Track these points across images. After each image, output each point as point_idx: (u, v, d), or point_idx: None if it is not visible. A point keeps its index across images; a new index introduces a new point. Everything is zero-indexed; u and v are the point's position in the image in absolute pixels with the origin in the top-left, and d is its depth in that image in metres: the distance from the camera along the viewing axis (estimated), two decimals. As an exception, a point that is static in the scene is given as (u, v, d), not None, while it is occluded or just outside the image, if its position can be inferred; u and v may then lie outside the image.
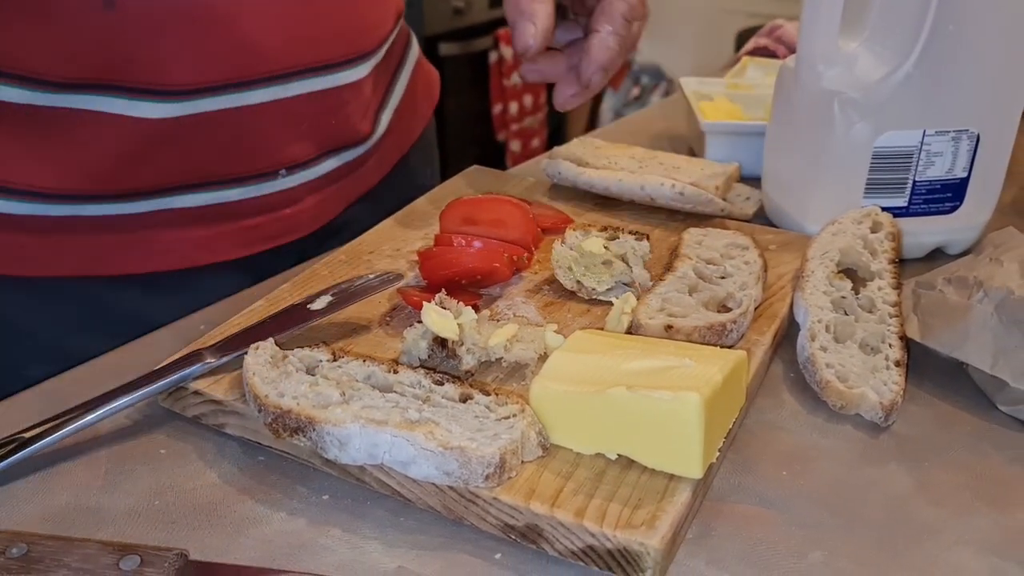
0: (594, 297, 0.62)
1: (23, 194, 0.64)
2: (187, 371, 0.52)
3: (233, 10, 0.64)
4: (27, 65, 0.61)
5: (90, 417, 0.49)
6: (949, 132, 0.68)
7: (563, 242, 0.63)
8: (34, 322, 0.69)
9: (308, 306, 0.57)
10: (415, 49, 0.90)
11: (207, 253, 0.72)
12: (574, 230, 0.65)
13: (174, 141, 0.66)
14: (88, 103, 0.63)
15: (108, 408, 0.50)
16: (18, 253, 0.67)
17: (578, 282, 0.62)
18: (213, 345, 0.54)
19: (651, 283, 0.61)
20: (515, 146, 3.06)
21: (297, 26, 0.68)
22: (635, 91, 3.53)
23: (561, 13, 0.69)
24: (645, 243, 0.63)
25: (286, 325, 0.56)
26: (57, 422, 0.49)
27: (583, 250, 0.62)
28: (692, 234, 0.68)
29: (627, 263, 0.62)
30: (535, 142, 3.16)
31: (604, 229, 0.65)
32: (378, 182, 0.84)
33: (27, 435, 0.49)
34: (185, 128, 0.66)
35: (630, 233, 0.64)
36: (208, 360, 0.52)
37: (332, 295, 0.58)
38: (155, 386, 0.51)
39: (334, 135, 0.76)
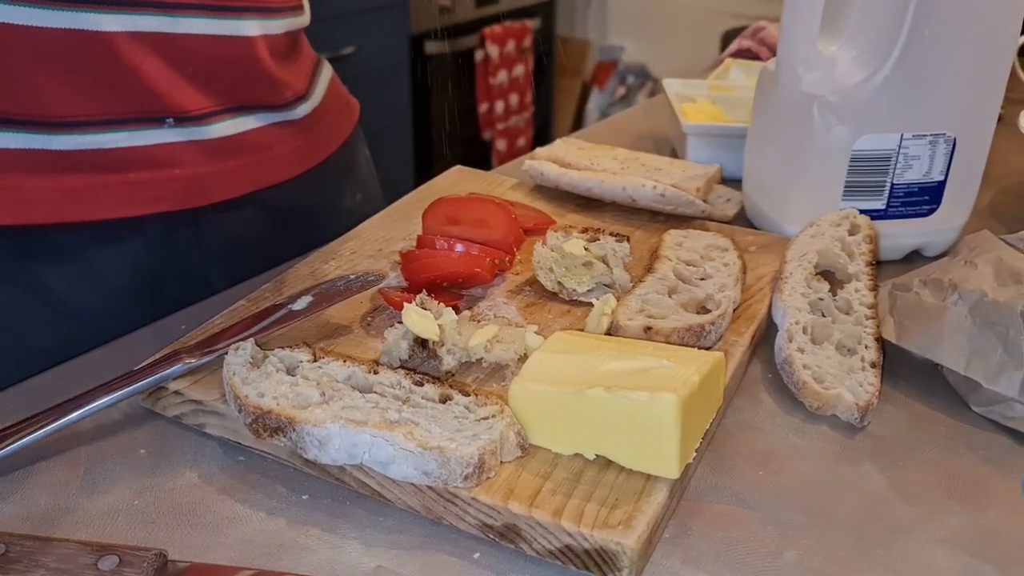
0: (575, 298, 0.62)
1: None
2: (167, 371, 0.52)
3: None
4: None
5: (70, 416, 0.49)
6: (926, 136, 0.68)
7: (544, 243, 0.63)
8: None
9: (289, 306, 0.58)
10: (328, 71, 0.88)
11: (84, 208, 0.66)
12: (555, 232, 0.65)
13: (35, 56, 0.61)
14: None
15: (88, 408, 0.50)
16: None
17: (559, 283, 0.62)
18: (193, 345, 0.54)
19: (631, 284, 0.62)
20: (501, 145, 3.07)
21: None
22: (621, 91, 3.54)
23: None
24: (625, 245, 0.64)
25: (267, 325, 0.56)
26: (36, 421, 0.49)
27: (564, 251, 0.62)
28: (673, 235, 0.68)
29: (607, 264, 0.63)
30: (521, 141, 3.17)
31: (585, 231, 0.66)
32: (291, 187, 0.79)
33: (5, 434, 0.48)
34: (45, 40, 0.61)
35: (610, 235, 0.65)
36: (188, 360, 0.52)
37: (313, 295, 0.58)
38: (135, 386, 0.51)
39: (226, 91, 0.72)
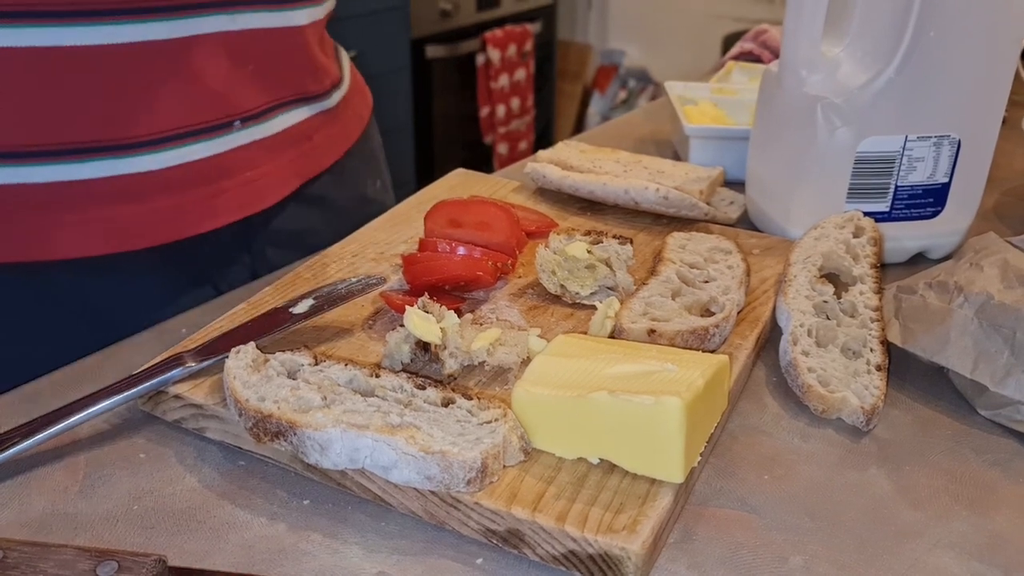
0: (578, 301, 0.62)
1: None
2: (167, 375, 0.51)
3: None
4: None
5: (69, 421, 0.49)
6: (931, 137, 0.68)
7: (547, 246, 0.63)
8: None
9: (290, 310, 0.57)
10: (347, 55, 0.89)
11: (162, 229, 0.65)
12: (558, 234, 0.65)
13: (114, 76, 0.59)
14: (9, 39, 0.55)
15: (87, 412, 0.49)
16: None
17: (562, 286, 0.62)
18: (194, 349, 0.54)
19: (634, 287, 0.62)
20: (502, 149, 3.07)
21: None
22: (622, 94, 3.55)
23: None
24: (628, 247, 0.63)
25: (268, 329, 0.56)
26: (35, 426, 0.48)
27: (567, 254, 0.62)
28: (676, 238, 0.68)
29: (610, 267, 0.62)
30: (522, 145, 3.17)
31: (588, 233, 0.65)
32: (326, 173, 0.79)
33: (4, 438, 0.48)
34: (122, 58, 0.59)
35: (613, 237, 0.64)
36: (189, 364, 0.52)
37: (314, 299, 0.58)
38: (135, 390, 0.51)
39: (280, 82, 0.71)
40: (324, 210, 0.81)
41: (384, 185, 0.92)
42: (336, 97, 0.80)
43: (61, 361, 0.58)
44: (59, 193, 0.59)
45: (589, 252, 0.63)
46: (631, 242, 0.64)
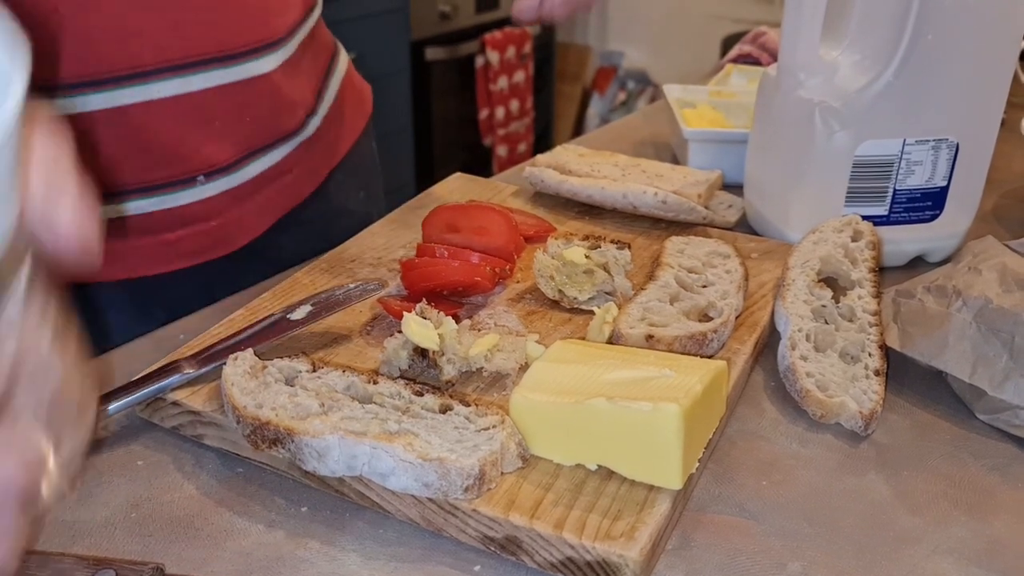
0: (576, 306, 0.62)
1: None
2: (165, 382, 0.51)
3: None
4: None
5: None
6: (929, 141, 0.68)
7: (545, 251, 0.63)
8: None
9: (288, 316, 0.57)
10: (343, 61, 0.86)
11: (120, 268, 0.67)
12: (556, 239, 0.65)
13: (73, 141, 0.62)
14: None
15: (85, 419, 0.49)
16: None
17: (560, 291, 0.62)
18: (192, 355, 0.54)
19: (632, 292, 0.62)
20: (502, 151, 3.07)
21: (184, 9, 0.63)
22: (621, 96, 3.54)
23: None
24: (627, 252, 0.63)
25: (266, 335, 0.56)
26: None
27: (565, 259, 0.62)
28: (674, 242, 0.68)
29: (608, 272, 0.62)
30: (522, 147, 3.17)
31: (586, 238, 0.65)
32: (305, 199, 0.79)
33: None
34: (81, 126, 0.61)
35: (612, 242, 0.64)
36: (187, 371, 0.52)
37: (312, 305, 0.58)
38: (133, 397, 0.51)
39: (252, 133, 0.71)
40: (295, 230, 0.78)
41: (369, 195, 0.90)
42: (313, 124, 0.77)
43: None
44: None
45: (587, 257, 0.63)
46: (629, 247, 0.64)
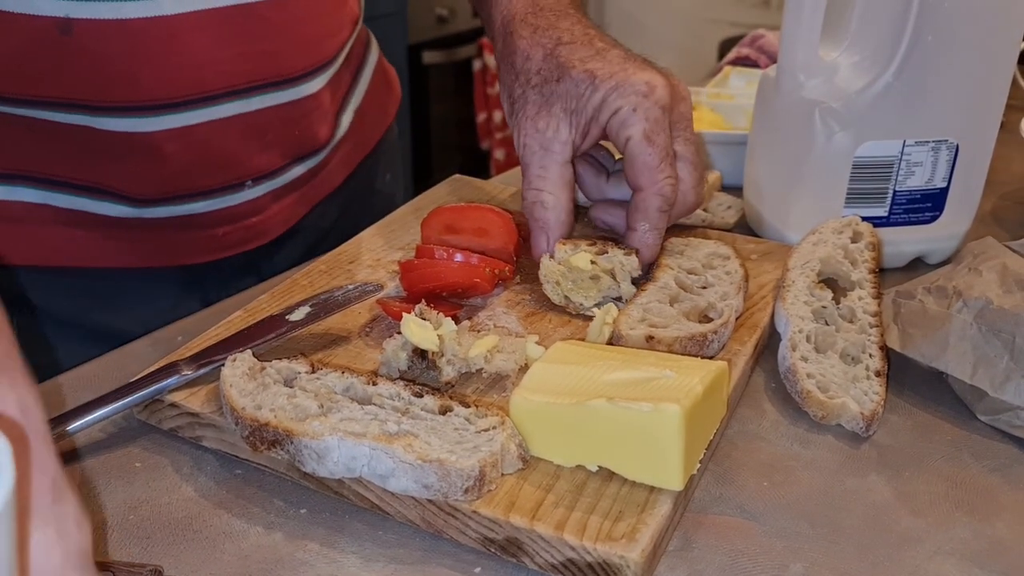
0: (582, 312, 0.61)
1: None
2: (163, 383, 0.51)
3: (187, 28, 0.64)
4: None
5: (64, 430, 0.48)
6: (929, 142, 0.68)
7: (551, 257, 0.62)
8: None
9: (286, 317, 0.57)
10: (375, 51, 0.90)
11: (173, 256, 0.74)
12: (563, 245, 0.64)
13: (144, 155, 0.67)
14: (57, 117, 0.65)
15: (82, 421, 0.49)
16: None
17: (566, 297, 0.61)
18: (190, 356, 0.54)
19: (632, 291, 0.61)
20: (499, 154, 3.06)
21: (251, 41, 0.68)
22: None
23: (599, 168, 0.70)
24: (634, 258, 0.62)
25: (264, 336, 0.55)
26: (30, 436, 0.48)
27: (571, 265, 0.62)
28: (673, 243, 0.68)
29: (615, 278, 0.62)
30: (519, 150, 3.16)
31: (593, 243, 0.64)
32: (339, 184, 0.84)
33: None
34: (154, 143, 0.67)
35: (618, 247, 0.63)
36: (185, 372, 0.52)
37: (311, 306, 0.58)
38: (131, 398, 0.50)
39: (298, 144, 0.76)
40: (327, 209, 0.83)
41: (395, 176, 0.94)
42: (345, 122, 0.82)
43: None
44: (90, 220, 0.70)
45: (593, 263, 0.62)
46: (637, 252, 0.63)
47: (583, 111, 0.62)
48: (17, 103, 0.64)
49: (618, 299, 0.62)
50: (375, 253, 0.70)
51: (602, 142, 0.67)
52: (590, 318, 0.59)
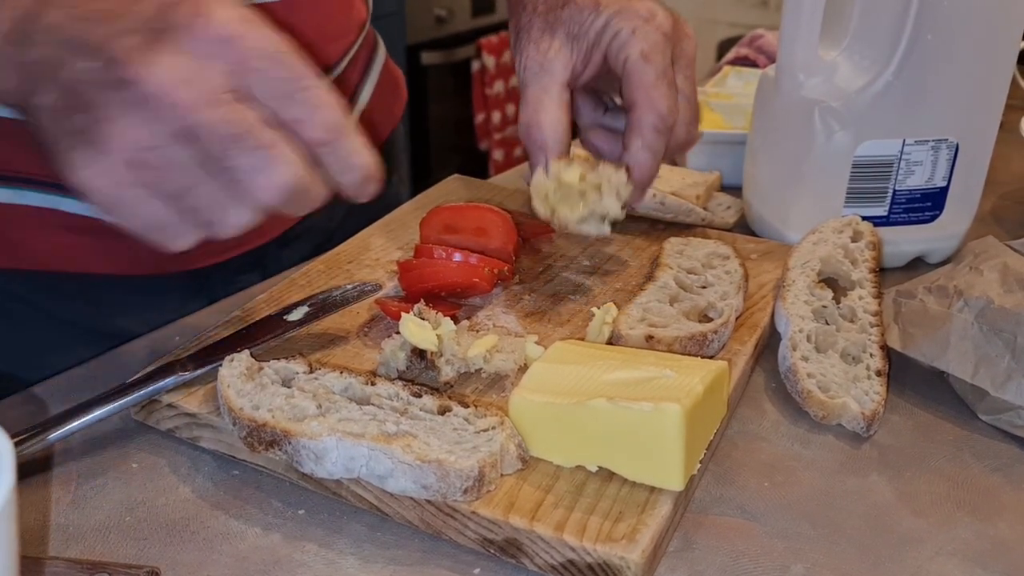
0: (567, 230, 0.61)
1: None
2: (161, 383, 0.51)
3: None
4: None
5: (60, 431, 0.48)
6: (929, 141, 0.68)
7: (546, 172, 0.61)
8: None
9: (284, 317, 0.57)
10: (381, 53, 0.90)
11: (174, 260, 0.70)
12: (559, 160, 0.62)
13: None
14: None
15: (80, 422, 0.48)
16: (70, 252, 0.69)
17: (552, 210, 0.60)
18: (187, 357, 0.53)
19: (623, 215, 0.60)
20: (498, 155, 3.06)
21: None
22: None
23: (598, 99, 0.69)
24: (623, 173, 0.61)
25: (262, 336, 0.55)
26: (26, 436, 0.48)
27: (562, 180, 0.60)
28: (673, 243, 0.67)
29: (601, 193, 0.61)
30: (518, 151, 3.16)
31: (588, 159, 0.63)
32: None
33: (-5, 450, 0.47)
34: None
35: (612, 164, 0.62)
36: (182, 372, 0.51)
37: (308, 306, 0.57)
38: (128, 399, 0.50)
39: None
40: (334, 209, 0.82)
41: (400, 177, 0.94)
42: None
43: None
44: (98, 227, 0.67)
45: (582, 179, 0.60)
46: (629, 171, 0.61)
47: (585, 36, 0.62)
48: None
49: (604, 216, 0.60)
50: (374, 253, 0.69)
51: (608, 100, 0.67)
52: (589, 316, 0.59)
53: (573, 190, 0.60)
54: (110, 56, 0.40)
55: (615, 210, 0.60)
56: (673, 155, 0.66)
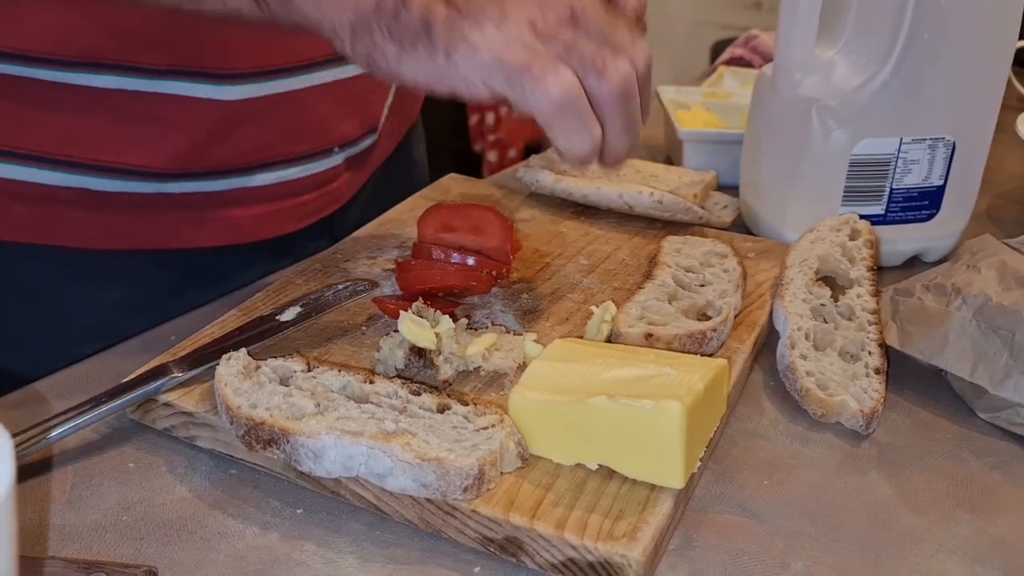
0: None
1: (116, 172, 0.68)
2: (157, 383, 0.50)
3: None
4: (122, 55, 0.65)
5: (57, 432, 0.48)
6: (925, 140, 0.68)
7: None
8: (86, 299, 0.72)
9: (277, 317, 0.56)
10: None
11: (267, 228, 0.76)
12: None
13: (248, 121, 0.70)
14: (173, 88, 0.67)
15: (75, 422, 0.48)
16: (89, 227, 0.70)
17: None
18: (183, 356, 0.53)
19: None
20: (492, 156, 3.06)
21: None
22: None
23: None
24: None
25: (255, 337, 0.55)
26: (22, 436, 0.47)
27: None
28: (671, 242, 0.67)
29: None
30: (512, 152, 3.16)
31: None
32: (391, 153, 0.89)
33: (-10, 449, 0.47)
34: (258, 108, 0.70)
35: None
36: (175, 374, 0.51)
37: (302, 306, 0.57)
38: (124, 399, 0.50)
39: (374, 112, 0.80)
40: (381, 178, 0.87)
41: (424, 149, 0.99)
42: (391, 93, 0.86)
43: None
44: (190, 200, 0.72)
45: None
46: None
47: None
48: (141, 72, 0.65)
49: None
50: (371, 251, 0.69)
51: None
52: (588, 314, 0.59)
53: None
54: None
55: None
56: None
